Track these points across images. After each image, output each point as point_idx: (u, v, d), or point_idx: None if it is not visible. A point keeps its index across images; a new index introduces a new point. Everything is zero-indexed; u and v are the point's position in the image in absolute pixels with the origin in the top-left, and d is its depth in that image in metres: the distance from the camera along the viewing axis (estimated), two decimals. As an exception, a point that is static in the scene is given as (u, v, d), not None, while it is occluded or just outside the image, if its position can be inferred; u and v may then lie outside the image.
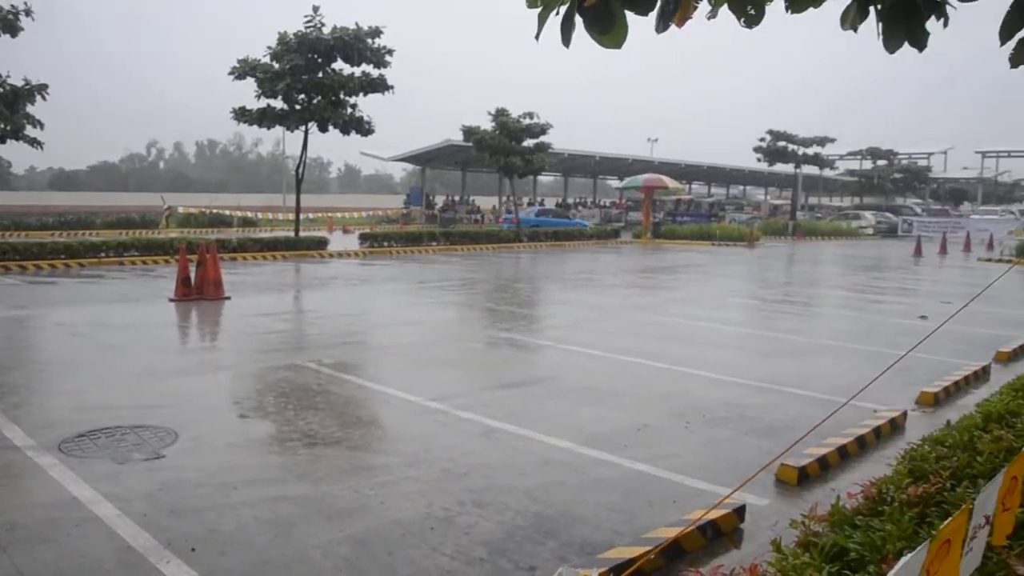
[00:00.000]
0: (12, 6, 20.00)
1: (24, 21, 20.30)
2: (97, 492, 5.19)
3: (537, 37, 3.13)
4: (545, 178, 73.72)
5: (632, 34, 3.09)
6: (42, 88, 20.59)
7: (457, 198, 56.65)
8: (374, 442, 6.49)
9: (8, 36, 20.14)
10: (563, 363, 9.81)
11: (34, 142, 21.07)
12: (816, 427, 4.68)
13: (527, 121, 35.34)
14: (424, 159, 54.03)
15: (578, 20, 3.00)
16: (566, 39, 3.04)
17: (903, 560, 1.90)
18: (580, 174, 70.53)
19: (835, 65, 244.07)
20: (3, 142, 20.77)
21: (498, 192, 56.53)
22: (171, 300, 14.25)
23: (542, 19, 3.08)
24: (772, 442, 6.48)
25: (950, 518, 2.22)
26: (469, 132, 35.82)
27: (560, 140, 40.31)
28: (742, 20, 3.14)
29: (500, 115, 35.14)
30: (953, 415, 6.60)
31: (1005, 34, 3.45)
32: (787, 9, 3.34)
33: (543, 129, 35.84)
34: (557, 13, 3.00)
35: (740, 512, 4.91)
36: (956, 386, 8.45)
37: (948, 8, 3.53)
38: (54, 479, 5.45)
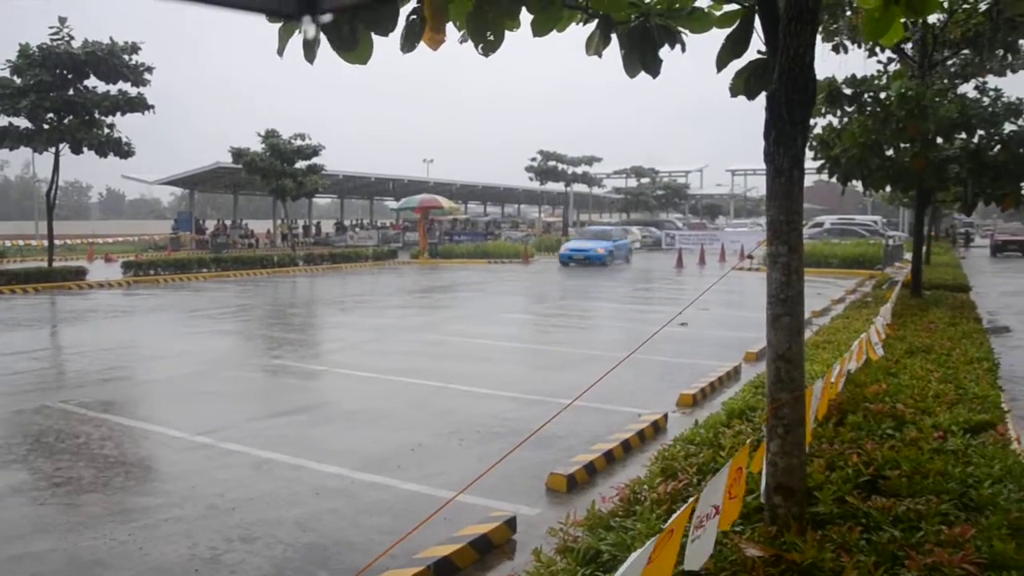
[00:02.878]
0: None
1: None
2: None
3: (280, 53, 3.10)
4: (321, 200, 72.85)
5: (385, 54, 3.13)
6: None
7: (229, 222, 54.59)
8: (134, 484, 6.10)
9: None
10: (337, 387, 9.69)
11: None
12: (537, 431, 4.87)
13: (298, 143, 34.78)
14: (193, 182, 51.74)
15: (323, 37, 3.00)
16: (309, 55, 3.02)
17: (633, 556, 2.02)
18: (357, 195, 70.07)
19: (594, 89, 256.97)
20: None
21: (272, 215, 55.06)
22: None
23: (284, 35, 3.05)
24: (543, 452, 6.69)
25: (678, 512, 2.39)
26: (238, 154, 34.74)
27: (335, 161, 39.93)
28: (480, 47, 3.24)
29: (270, 136, 34.37)
30: (708, 414, 7.10)
31: (720, 63, 3.79)
32: (534, 34, 3.49)
33: (315, 151, 35.38)
34: (300, 31, 2.97)
35: (511, 524, 5.03)
36: (711, 387, 9.09)
37: (683, 36, 3.83)
38: None
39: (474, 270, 32.27)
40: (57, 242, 28.19)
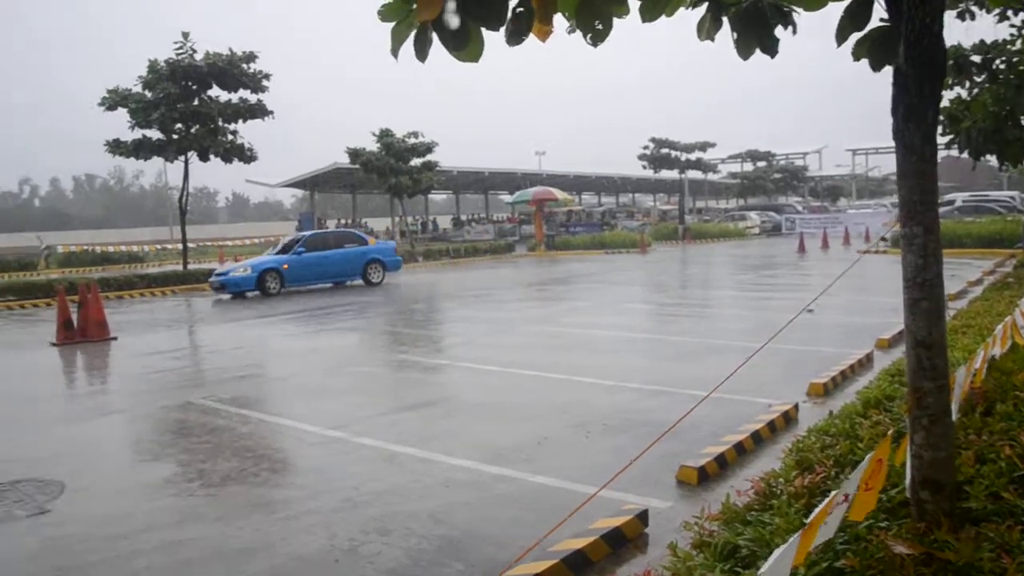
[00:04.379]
0: None
1: None
2: None
3: (394, 53, 3.12)
4: (437, 196, 73.88)
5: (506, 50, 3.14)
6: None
7: (349, 221, 56.08)
8: (273, 477, 6.35)
9: None
10: (461, 381, 9.82)
11: None
12: (677, 423, 4.80)
13: (412, 140, 35.36)
14: (312, 183, 53.42)
15: (435, 35, 3.02)
16: (421, 54, 3.05)
17: (778, 552, 1.97)
18: (471, 191, 70.90)
19: (704, 72, 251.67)
20: None
21: (390, 213, 56.26)
22: (53, 344, 13.64)
23: (396, 35, 3.08)
24: (672, 444, 6.61)
25: (820, 507, 2.32)
26: (355, 154, 35.60)
27: (449, 157, 40.45)
28: (588, 36, 3.20)
29: (385, 136, 35.06)
30: (841, 404, 6.87)
31: (840, 37, 3.63)
32: (642, 19, 3.43)
33: (429, 147, 35.90)
34: (412, 29, 3.01)
35: (643, 517, 4.99)
36: (842, 375, 8.80)
37: (795, 16, 3.70)
38: None
39: (591, 261, 32.17)
40: (190, 246, 29.50)
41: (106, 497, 5.95)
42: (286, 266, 22.32)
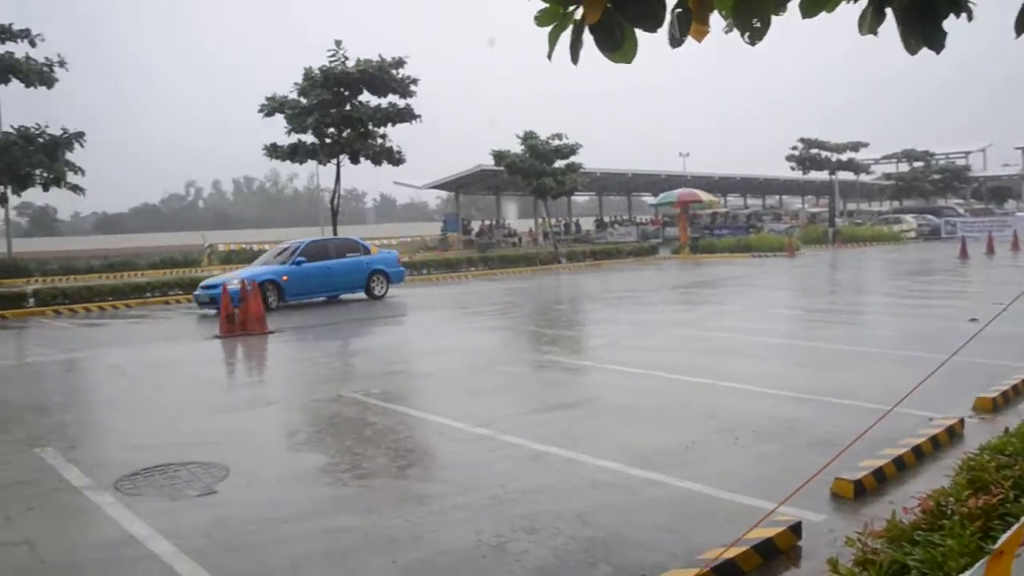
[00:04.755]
0: (46, 58, 20.51)
1: (58, 72, 20.81)
2: (153, 529, 5.25)
3: (549, 56, 3.14)
4: (579, 198, 73.83)
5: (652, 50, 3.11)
6: (79, 136, 21.09)
7: (493, 222, 56.84)
8: (422, 471, 6.50)
9: (45, 88, 20.64)
10: (606, 383, 9.77)
11: (76, 188, 21.54)
12: (862, 435, 4.61)
13: (556, 142, 35.49)
14: (457, 185, 54.40)
15: (587, 38, 3.03)
16: (575, 57, 3.06)
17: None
18: (614, 192, 70.59)
19: (850, 66, 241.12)
20: (47, 189, 21.30)
21: (533, 214, 56.68)
22: (216, 337, 14.45)
23: (553, 38, 3.10)
24: (824, 455, 6.36)
25: (1011, 530, 2.18)
26: (499, 156, 36.06)
27: (591, 159, 40.37)
28: (746, 35, 3.12)
29: (529, 138, 35.34)
30: (1012, 421, 6.45)
31: (1020, 26, 3.39)
32: (803, 15, 3.31)
33: (572, 149, 35.95)
34: (567, 32, 3.02)
35: (796, 529, 4.84)
36: (1015, 390, 8.25)
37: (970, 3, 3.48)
38: (112, 517, 5.53)
39: (737, 264, 31.45)
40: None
41: (266, 483, 6.24)
42: (285, 277, 19.59)
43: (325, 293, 21.01)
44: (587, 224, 64.59)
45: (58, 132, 20.85)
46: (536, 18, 3.09)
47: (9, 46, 20.25)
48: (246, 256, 43.04)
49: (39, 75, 20.21)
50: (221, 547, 4.97)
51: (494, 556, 4.73)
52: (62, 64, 20.77)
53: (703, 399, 8.52)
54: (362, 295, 21.40)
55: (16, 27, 20.14)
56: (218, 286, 17.77)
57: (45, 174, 20.80)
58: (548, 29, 3.09)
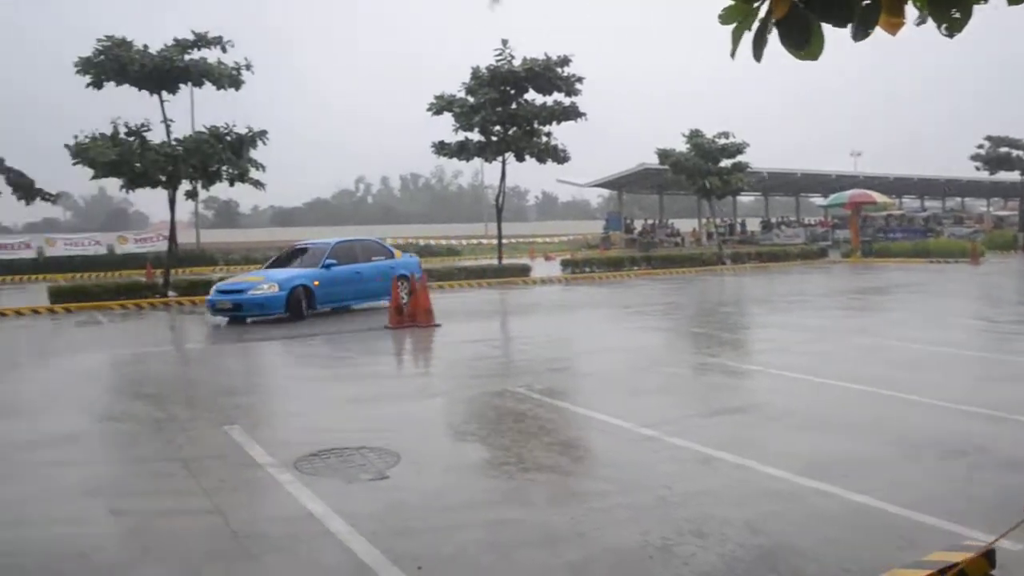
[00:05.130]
0: (235, 63, 21.83)
1: (244, 75, 22.10)
2: (329, 508, 5.50)
3: (732, 55, 3.07)
4: (744, 198, 72.03)
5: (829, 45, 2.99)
6: (262, 134, 22.28)
7: (655, 221, 56.26)
8: (587, 468, 6.51)
9: (233, 90, 21.98)
10: (775, 389, 9.47)
11: (257, 183, 22.78)
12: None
13: (723, 141, 34.70)
14: (620, 184, 54.15)
15: (771, 35, 2.94)
16: (758, 54, 2.97)
17: None
18: (781, 192, 68.39)
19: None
20: (232, 184, 22.63)
21: (697, 214, 55.71)
22: (386, 328, 14.97)
23: (736, 36, 3.02)
24: (1017, 477, 5.95)
25: None
26: (664, 155, 35.62)
27: (758, 158, 39.25)
28: (943, 27, 2.92)
29: (695, 136, 34.72)
30: None
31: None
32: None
33: (739, 148, 35.05)
34: (750, 29, 2.95)
35: (990, 557, 4.52)
36: None
37: None
38: (291, 495, 5.83)
39: (912, 270, 29.81)
40: (503, 242, 31.12)
41: (435, 471, 6.41)
42: (316, 283, 17.49)
43: (354, 300, 18.86)
44: (753, 225, 62.87)
45: (244, 131, 22.09)
46: (720, 16, 3.04)
47: (204, 52, 21.64)
48: (411, 251, 44.51)
49: (229, 78, 21.56)
50: (392, 530, 5.15)
51: (660, 558, 4.67)
52: (248, 67, 22.03)
53: (878, 410, 8.12)
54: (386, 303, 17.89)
55: (211, 35, 21.52)
56: (243, 290, 16.72)
57: (231, 170, 22.09)
58: (730, 27, 3.03)
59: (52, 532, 5.33)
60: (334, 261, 18.06)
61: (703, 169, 34.53)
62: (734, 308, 19.05)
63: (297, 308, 16.87)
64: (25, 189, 39.00)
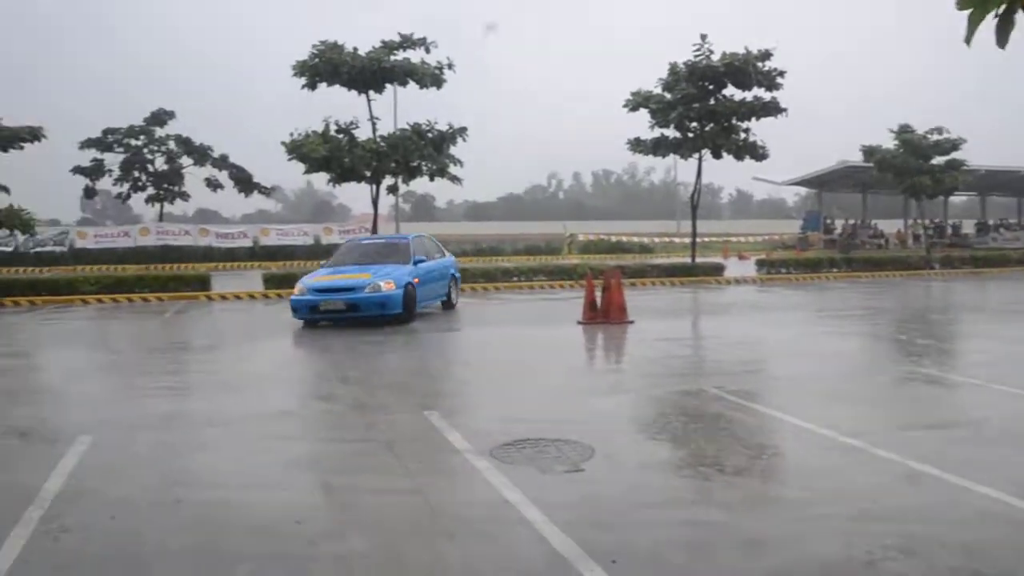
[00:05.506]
0: (438, 62, 22.65)
1: (446, 73, 22.88)
2: (525, 497, 5.63)
3: (968, 41, 2.90)
4: (957, 198, 67.14)
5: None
6: (462, 131, 23.00)
7: (857, 222, 53.60)
8: (785, 474, 6.34)
9: (435, 89, 22.81)
10: (992, 404, 8.81)
11: (454, 179, 23.53)
12: None
13: (935, 137, 32.52)
14: (819, 182, 51.97)
15: (1019, 18, 2.75)
16: (1003, 40, 2.79)
17: None
18: (1000, 192, 63.32)
19: None
20: (432, 180, 23.52)
21: (903, 214, 52.64)
22: (579, 323, 15.11)
23: (974, 21, 2.85)
24: None
25: None
26: (869, 152, 33.86)
27: (975, 156, 36.51)
28: None
29: (903, 132, 32.75)
30: None
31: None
32: None
33: (954, 145, 32.72)
34: (996, 14, 2.77)
35: None
36: None
37: None
38: (488, 481, 6.02)
39: None
40: (696, 240, 30.63)
41: (629, 467, 6.43)
42: (416, 280, 15.90)
43: (431, 300, 17.14)
44: (967, 227, 58.60)
45: (445, 128, 22.86)
46: (959, 2, 2.89)
47: (409, 53, 22.61)
48: (603, 247, 44.62)
49: (431, 77, 22.42)
50: (587, 522, 5.21)
51: (865, 573, 4.49)
52: (450, 66, 22.81)
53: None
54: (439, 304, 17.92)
55: (415, 36, 22.45)
56: (356, 288, 14.91)
57: (431, 166, 22.93)
58: (969, 12, 2.87)
59: (270, 498, 5.77)
60: (422, 257, 16.76)
61: (912, 167, 32.53)
62: (943, 315, 17.91)
63: (411, 307, 15.45)
64: (245, 183, 42.34)
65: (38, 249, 38.60)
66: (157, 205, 42.75)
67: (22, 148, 22.83)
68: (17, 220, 22.34)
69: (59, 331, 15.51)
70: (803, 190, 70.10)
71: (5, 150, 22.70)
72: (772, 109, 26.17)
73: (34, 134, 22.78)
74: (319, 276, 15.78)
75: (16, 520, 5.29)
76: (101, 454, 6.91)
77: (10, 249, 37.74)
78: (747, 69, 25.32)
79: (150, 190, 41.72)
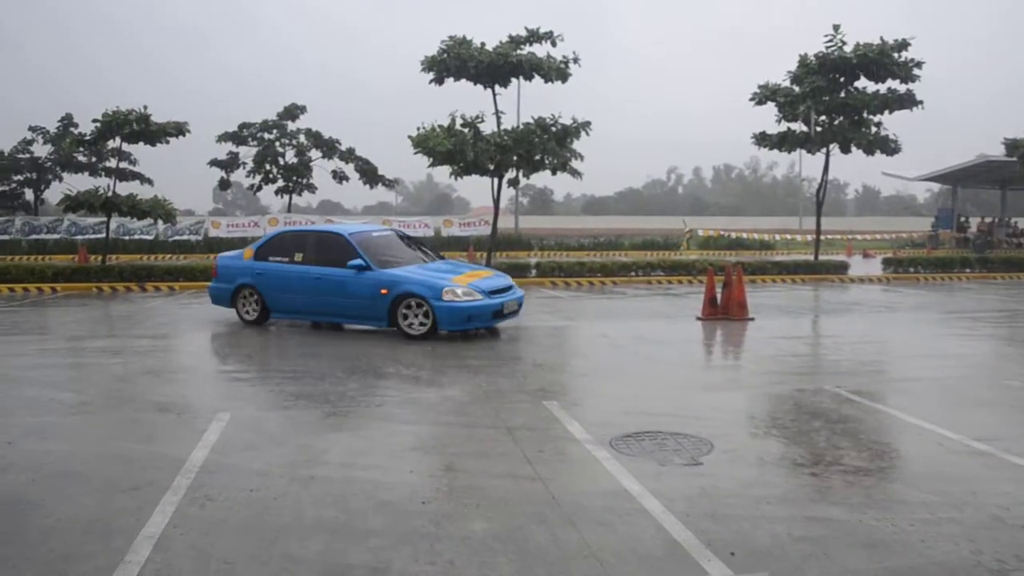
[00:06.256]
0: (563, 56, 22.73)
1: (572, 67, 22.93)
2: (644, 488, 5.75)
3: None
4: (1109, 197, 63.03)
5: None
6: (586, 125, 22.98)
7: (994, 220, 50.96)
8: (909, 476, 6.22)
9: (560, 82, 22.90)
10: None
11: (575, 173, 23.58)
12: None
13: (1088, 130, 30.62)
14: (954, 178, 49.60)
15: None
16: None
17: None
18: None
19: None
20: (554, 174, 23.59)
21: (1047, 213, 49.84)
22: (698, 319, 15.02)
23: None
24: None
25: None
26: (1013, 145, 32.23)
27: None
28: None
29: (1052, 124, 30.95)
30: None
31: None
32: None
33: (1109, 137, 30.79)
34: None
35: None
36: None
37: None
38: (608, 471, 6.16)
39: None
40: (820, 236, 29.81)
41: (748, 462, 6.44)
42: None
43: None
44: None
45: (568, 122, 22.91)
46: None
47: (535, 47, 22.77)
48: (723, 243, 43.87)
49: (557, 71, 22.52)
50: (704, 514, 5.29)
51: (993, 580, 4.42)
52: (576, 60, 22.84)
53: None
54: None
55: (542, 30, 22.59)
56: (509, 288, 13.72)
57: (553, 160, 23.03)
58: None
59: (396, 478, 6.05)
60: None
61: (1060, 162, 30.80)
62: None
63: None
64: (370, 175, 43.47)
65: (176, 237, 40.76)
66: (285, 196, 44.35)
67: (168, 143, 24.16)
68: (161, 210, 23.71)
69: (196, 315, 16.39)
70: (935, 187, 67.25)
71: (153, 144, 24.08)
72: (907, 101, 25.15)
73: (179, 129, 24.01)
74: (461, 278, 13.35)
75: (166, 488, 5.75)
76: (239, 430, 7.37)
77: (151, 237, 39.96)
78: (882, 60, 24.39)
79: (280, 182, 43.30)
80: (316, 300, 13.68)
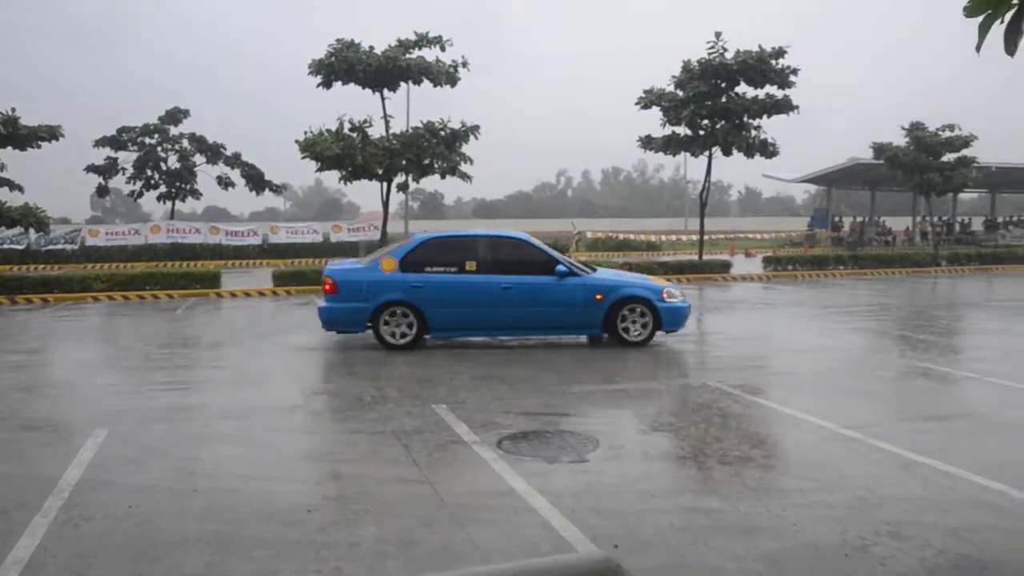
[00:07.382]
0: (452, 60, 22.79)
1: (460, 72, 23.03)
2: (531, 486, 5.84)
3: (978, 49, 3.01)
4: (967, 195, 67.08)
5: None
6: (475, 129, 23.09)
7: (864, 219, 53.57)
8: (784, 464, 6.52)
9: (449, 87, 22.96)
10: (990, 398, 8.99)
11: (465, 176, 23.65)
12: None
13: (946, 134, 32.48)
14: (829, 180, 52.01)
15: None
16: (1011, 47, 2.92)
17: None
18: (1010, 189, 63.21)
19: None
20: (443, 177, 23.62)
21: (911, 212, 52.64)
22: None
23: (984, 29, 2.97)
24: None
25: None
26: (879, 149, 33.87)
27: (985, 153, 36.44)
28: None
29: (915, 129, 32.71)
30: None
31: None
32: None
33: (965, 142, 32.64)
34: (1001, 21, 2.90)
35: None
36: None
37: None
38: (495, 471, 6.22)
39: None
40: (704, 237, 30.72)
41: (633, 458, 6.62)
42: None
43: None
44: (976, 224, 58.49)
45: (457, 126, 22.96)
46: (966, 9, 3.01)
47: (424, 52, 22.75)
48: (611, 244, 44.70)
49: (446, 75, 22.57)
50: (590, 510, 5.41)
51: (857, 557, 4.68)
52: (465, 65, 22.94)
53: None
54: None
55: (431, 35, 22.58)
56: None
57: (443, 164, 23.05)
58: (980, 20, 2.98)
59: (282, 488, 5.97)
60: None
61: (922, 164, 32.52)
62: (947, 312, 18.00)
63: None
64: (256, 181, 42.55)
65: (49, 247, 38.89)
66: (168, 203, 42.96)
67: (39, 147, 23.03)
68: (32, 218, 22.48)
69: (71, 328, 15.74)
70: (812, 188, 70.21)
71: (23, 149, 22.87)
72: (784, 107, 26.18)
73: (52, 133, 22.87)
74: (652, 279, 13.32)
75: (36, 509, 5.51)
76: (117, 446, 7.13)
77: (22, 247, 38.05)
78: (760, 67, 25.31)
79: (162, 188, 41.95)
80: (501, 313, 12.15)
